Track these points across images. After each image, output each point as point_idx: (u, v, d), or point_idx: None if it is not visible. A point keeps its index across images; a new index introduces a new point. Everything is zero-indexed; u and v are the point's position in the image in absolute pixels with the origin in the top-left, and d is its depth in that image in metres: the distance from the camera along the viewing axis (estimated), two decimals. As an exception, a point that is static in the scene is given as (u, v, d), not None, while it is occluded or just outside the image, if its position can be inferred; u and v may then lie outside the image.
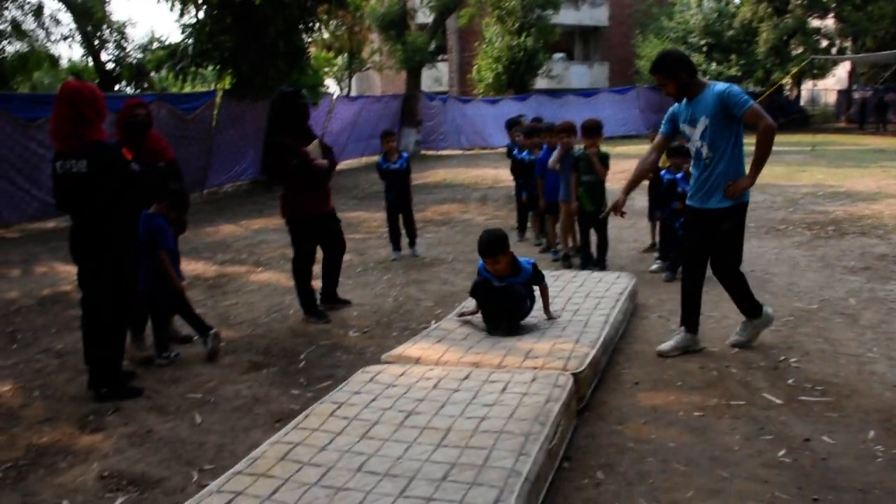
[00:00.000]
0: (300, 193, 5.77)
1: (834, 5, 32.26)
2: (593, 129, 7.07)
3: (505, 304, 4.66)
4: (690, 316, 4.90)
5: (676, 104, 4.78)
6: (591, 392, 4.12)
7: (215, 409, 4.31)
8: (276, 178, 6.02)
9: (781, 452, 3.48)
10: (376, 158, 8.78)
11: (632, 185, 5.05)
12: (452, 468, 2.86)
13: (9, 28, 17.85)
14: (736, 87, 4.49)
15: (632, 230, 9.15)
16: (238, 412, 4.23)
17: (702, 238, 4.75)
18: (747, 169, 4.59)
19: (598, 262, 7.14)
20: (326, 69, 25.64)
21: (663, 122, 4.91)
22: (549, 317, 4.87)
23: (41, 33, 18.16)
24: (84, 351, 4.81)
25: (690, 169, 4.89)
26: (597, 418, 3.94)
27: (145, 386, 4.67)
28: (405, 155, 8.47)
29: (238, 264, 8.40)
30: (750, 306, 4.87)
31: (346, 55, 29.20)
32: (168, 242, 5.08)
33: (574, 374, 3.88)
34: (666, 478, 3.28)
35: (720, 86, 4.52)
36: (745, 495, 3.11)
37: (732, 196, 4.55)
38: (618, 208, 5.02)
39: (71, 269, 8.21)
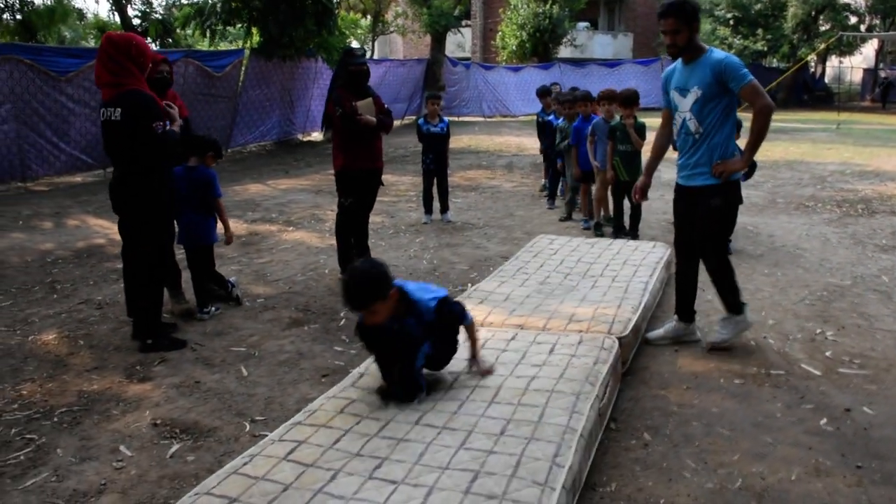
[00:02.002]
0: (346, 146, 5.86)
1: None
2: (630, 99, 7.06)
3: (397, 348, 3.37)
4: (682, 303, 4.58)
5: (667, 69, 4.46)
6: (633, 357, 4.17)
7: (260, 362, 4.38)
8: (328, 128, 6.14)
9: (823, 421, 3.53)
10: (399, 123, 8.77)
11: (652, 165, 4.71)
12: (509, 423, 2.93)
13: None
14: (735, 58, 4.14)
15: (661, 202, 9.13)
16: (284, 366, 4.31)
17: (689, 219, 4.41)
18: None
19: (630, 232, 7.16)
20: (351, 31, 25.45)
21: (662, 94, 4.54)
22: (478, 368, 3.53)
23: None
24: (126, 302, 4.91)
25: (676, 141, 4.48)
26: (639, 382, 4.00)
27: (188, 338, 4.75)
28: (446, 119, 8.46)
29: (269, 223, 8.46)
30: (734, 300, 4.44)
31: (370, 17, 28.98)
32: (219, 191, 5.20)
33: (618, 338, 3.93)
34: (711, 441, 3.34)
35: (718, 53, 4.16)
36: (790, 460, 3.16)
37: (720, 176, 4.20)
38: (643, 191, 4.72)
39: (102, 223, 8.37)
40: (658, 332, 4.62)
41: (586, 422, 2.97)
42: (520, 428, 2.88)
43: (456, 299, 3.60)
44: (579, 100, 7.99)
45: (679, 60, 4.32)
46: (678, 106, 4.32)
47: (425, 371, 3.41)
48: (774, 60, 34.78)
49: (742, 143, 4.32)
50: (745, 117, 4.10)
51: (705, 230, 4.32)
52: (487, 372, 3.49)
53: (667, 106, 4.50)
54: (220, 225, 5.36)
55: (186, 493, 2.63)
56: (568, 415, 2.99)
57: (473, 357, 3.56)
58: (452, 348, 3.53)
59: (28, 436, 3.51)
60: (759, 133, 4.11)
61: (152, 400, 3.89)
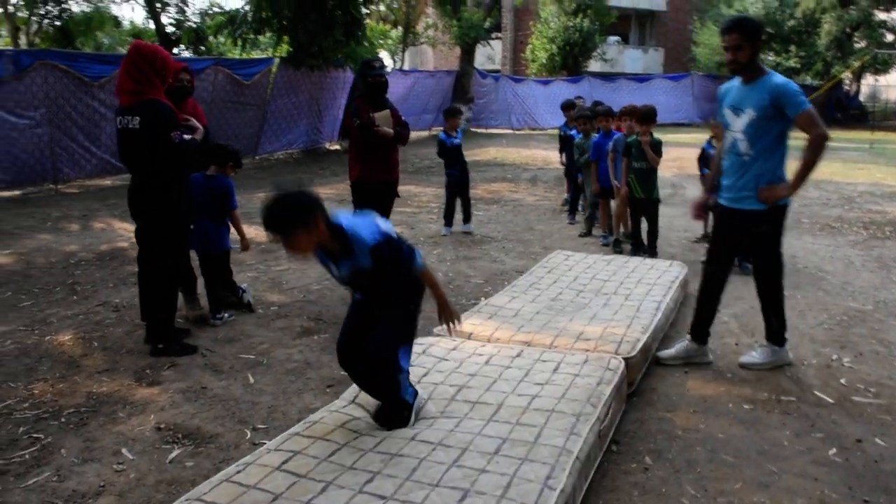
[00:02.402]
0: (362, 157, 5.91)
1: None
2: (648, 116, 7.01)
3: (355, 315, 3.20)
4: (699, 323, 4.52)
5: (724, 86, 4.40)
6: (640, 378, 4.13)
7: (268, 370, 4.40)
8: (344, 139, 6.22)
9: (832, 451, 3.46)
10: (427, 133, 8.82)
11: (713, 183, 4.54)
12: (504, 443, 2.91)
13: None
14: (794, 85, 4.05)
15: (683, 219, 9.05)
16: (290, 375, 4.33)
17: (729, 240, 4.39)
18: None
19: (648, 250, 7.10)
20: (381, 41, 25.61)
21: (718, 109, 4.49)
22: (448, 324, 3.28)
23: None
24: (140, 306, 4.96)
25: (723, 160, 4.39)
26: (646, 404, 3.95)
27: (199, 344, 4.79)
28: (460, 131, 8.48)
29: (289, 231, 8.50)
30: (779, 329, 4.44)
31: (400, 28, 29.14)
32: (236, 202, 5.26)
33: (625, 359, 3.90)
34: (714, 467, 3.29)
35: (778, 78, 4.09)
36: (794, 491, 3.10)
37: (766, 202, 4.13)
38: (703, 207, 4.64)
39: (127, 226, 8.46)
40: (670, 352, 4.57)
41: (584, 444, 2.95)
42: (515, 448, 2.86)
43: (410, 244, 3.11)
44: (599, 115, 7.96)
45: (737, 78, 4.27)
46: (730, 125, 4.27)
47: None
48: (808, 78, 34.41)
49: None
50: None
51: (761, 257, 4.36)
52: (454, 322, 3.23)
53: (722, 122, 4.43)
54: (234, 233, 5.40)
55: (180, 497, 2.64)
56: (565, 436, 2.96)
57: (441, 311, 3.23)
58: (408, 313, 3.15)
59: (35, 435, 3.56)
60: (811, 162, 4.01)
61: (158, 404, 3.92)
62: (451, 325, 3.25)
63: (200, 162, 5.07)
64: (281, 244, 2.88)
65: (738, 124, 4.18)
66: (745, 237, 4.30)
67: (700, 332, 4.53)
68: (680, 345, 4.59)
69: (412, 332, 3.27)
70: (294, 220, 2.75)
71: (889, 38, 32.78)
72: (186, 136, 4.55)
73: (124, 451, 3.41)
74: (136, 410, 3.85)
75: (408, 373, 3.22)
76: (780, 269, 4.42)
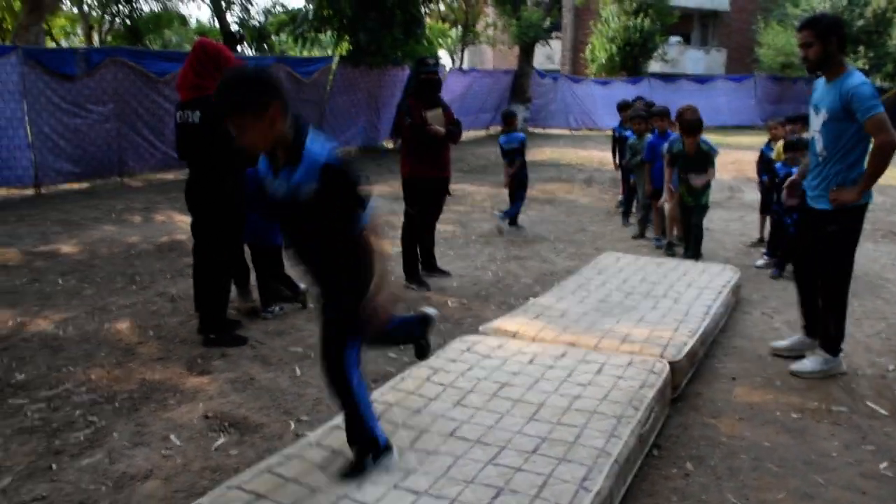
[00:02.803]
0: (414, 155, 5.96)
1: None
2: (693, 127, 6.76)
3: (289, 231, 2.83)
4: (808, 319, 4.60)
5: (815, 82, 4.32)
6: (686, 382, 4.08)
7: (315, 364, 4.45)
8: (397, 136, 6.28)
9: (884, 465, 3.36)
10: (484, 133, 8.87)
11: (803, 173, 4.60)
12: (543, 442, 2.91)
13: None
14: (867, 88, 3.93)
15: (739, 223, 8.89)
16: (336, 369, 4.38)
17: (808, 239, 4.40)
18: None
19: (691, 252, 6.94)
20: (440, 40, 25.72)
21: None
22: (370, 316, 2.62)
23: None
24: (194, 297, 5.09)
25: (809, 159, 4.43)
26: (690, 409, 3.90)
27: (250, 336, 4.89)
28: (518, 135, 8.63)
29: (342, 227, 8.61)
30: (835, 337, 4.37)
31: (460, 27, 29.22)
32: None
33: (670, 363, 3.85)
34: (757, 476, 3.23)
35: (854, 79, 3.98)
36: (839, 503, 3.03)
37: (834, 203, 4.10)
38: (796, 188, 4.61)
39: (186, 219, 8.61)
40: (784, 343, 4.71)
41: (623, 447, 2.93)
42: (553, 448, 2.87)
43: (369, 192, 2.69)
44: (654, 115, 7.85)
45: (823, 77, 4.23)
46: (812, 124, 4.28)
47: None
48: (878, 79, 33.36)
49: None
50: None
51: (824, 256, 4.30)
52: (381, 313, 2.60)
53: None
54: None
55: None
56: (605, 438, 2.95)
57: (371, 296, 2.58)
58: (352, 293, 2.58)
59: (90, 418, 3.69)
60: (876, 169, 4.00)
61: (207, 393, 4.02)
62: (372, 317, 2.59)
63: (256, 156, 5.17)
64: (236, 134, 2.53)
65: (816, 123, 4.19)
66: (818, 237, 4.28)
67: (809, 326, 4.62)
68: (794, 338, 4.72)
69: (358, 325, 2.64)
70: (244, 101, 2.42)
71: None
72: None
73: (172, 437, 3.51)
74: (186, 398, 3.96)
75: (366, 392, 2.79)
76: (846, 275, 4.34)
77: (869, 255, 7.51)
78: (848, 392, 4.16)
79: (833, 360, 4.40)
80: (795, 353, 4.58)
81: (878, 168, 3.98)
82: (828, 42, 4.03)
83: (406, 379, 3.59)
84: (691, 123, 6.76)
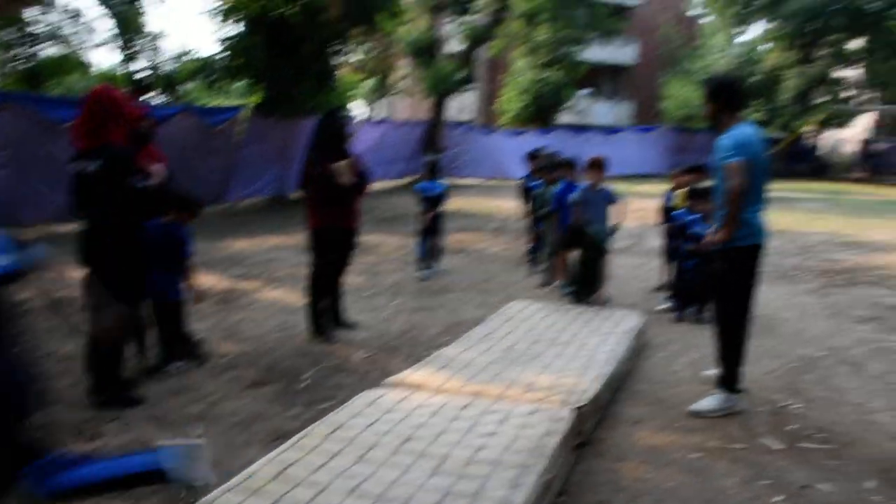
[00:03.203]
0: (322, 206, 5.91)
1: (860, 57, 32.30)
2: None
3: None
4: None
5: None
6: (591, 428, 4.11)
7: (214, 423, 4.32)
8: (303, 187, 6.20)
9: (778, 498, 3.47)
10: (396, 183, 8.94)
11: None
12: (446, 496, 2.87)
13: (46, 32, 18.23)
14: (728, 140, 4.35)
15: (644, 269, 9.13)
16: (237, 428, 4.25)
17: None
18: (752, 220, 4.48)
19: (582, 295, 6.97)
20: (354, 91, 25.87)
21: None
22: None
23: (77, 38, 18.55)
24: (86, 356, 4.86)
25: None
26: (595, 455, 3.93)
27: (146, 396, 4.69)
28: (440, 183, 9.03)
29: (250, 279, 8.45)
30: (727, 377, 4.55)
31: (374, 79, 29.50)
32: (190, 251, 5.23)
33: (575, 409, 3.88)
34: (659, 519, 3.27)
35: (734, 132, 4.39)
36: (737, 542, 3.09)
37: (705, 245, 4.65)
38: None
39: (80, 274, 8.35)
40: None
41: (527, 496, 2.91)
42: (456, 501, 2.83)
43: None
44: (558, 166, 8.03)
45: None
46: None
47: None
48: (772, 131, 35.22)
49: None
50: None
51: (717, 298, 4.69)
52: None
53: None
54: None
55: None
56: (509, 488, 2.93)
57: None
58: None
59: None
60: (728, 212, 4.38)
61: (98, 459, 3.82)
62: None
63: (158, 208, 5.04)
64: None
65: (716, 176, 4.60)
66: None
67: None
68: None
69: None
70: None
71: (848, 93, 33.77)
72: (145, 182, 4.52)
73: (57, 507, 3.30)
74: (75, 464, 3.74)
75: None
76: (737, 315, 4.52)
77: (766, 297, 7.78)
78: (745, 429, 4.28)
79: (731, 398, 4.54)
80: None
81: (732, 212, 4.36)
82: (717, 101, 4.50)
83: (307, 436, 3.50)
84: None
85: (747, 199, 4.40)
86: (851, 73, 34.15)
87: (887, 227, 14.35)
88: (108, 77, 21.41)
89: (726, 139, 4.39)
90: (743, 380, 4.64)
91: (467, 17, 25.98)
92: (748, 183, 4.33)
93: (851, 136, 39.02)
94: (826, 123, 33.07)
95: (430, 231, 8.82)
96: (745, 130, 4.43)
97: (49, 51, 19.27)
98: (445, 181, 9.15)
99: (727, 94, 4.49)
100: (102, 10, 16.56)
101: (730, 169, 4.32)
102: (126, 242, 4.48)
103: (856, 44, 32.27)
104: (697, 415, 4.48)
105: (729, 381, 4.55)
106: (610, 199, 7.31)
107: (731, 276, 4.50)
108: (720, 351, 4.59)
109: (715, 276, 4.57)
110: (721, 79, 4.68)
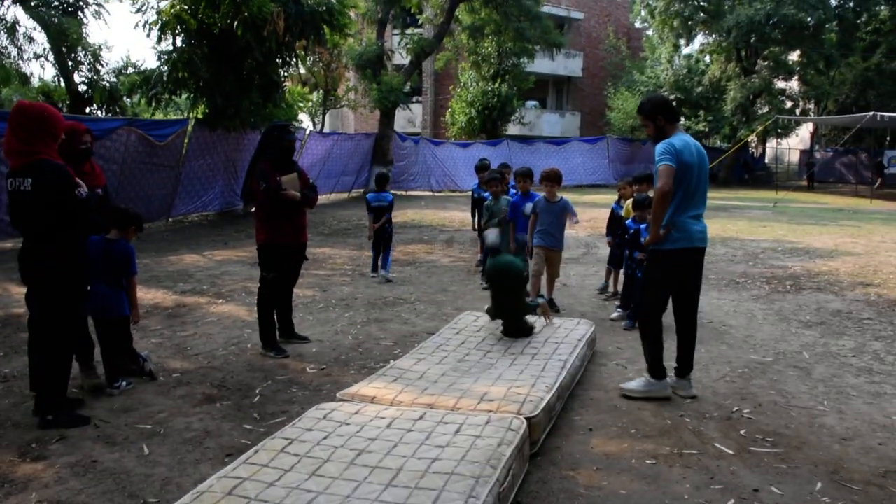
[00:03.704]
0: (270, 220, 5.84)
1: (798, 69, 33.33)
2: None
3: None
4: (677, 360, 5.13)
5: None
6: (544, 437, 4.12)
7: (164, 440, 4.22)
8: (249, 202, 6.12)
9: (730, 502, 3.51)
10: (346, 195, 8.90)
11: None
12: (400, 509, 2.83)
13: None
14: (669, 144, 4.65)
15: (595, 278, 9.23)
16: (188, 445, 4.16)
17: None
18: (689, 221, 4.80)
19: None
20: (301, 104, 25.70)
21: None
22: None
23: (13, 51, 17.95)
24: (30, 376, 4.72)
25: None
26: (549, 463, 3.93)
27: (93, 415, 4.57)
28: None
29: (198, 295, 8.30)
30: (651, 362, 4.97)
31: (321, 91, 29.35)
32: (135, 268, 5.10)
33: (528, 419, 3.89)
34: (615, 526, 3.28)
35: (671, 138, 4.73)
36: (691, 546, 3.11)
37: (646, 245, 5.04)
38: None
39: (23, 291, 8.10)
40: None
41: (482, 506, 2.90)
42: (411, 513, 2.79)
43: None
44: (517, 175, 8.04)
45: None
46: None
47: None
48: (717, 141, 36.06)
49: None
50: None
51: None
52: None
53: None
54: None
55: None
56: (463, 499, 2.91)
57: None
58: None
59: None
60: (654, 212, 4.75)
61: (42, 480, 3.70)
62: None
63: (100, 224, 4.93)
64: None
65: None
66: None
67: (677, 367, 5.11)
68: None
69: None
70: None
71: (789, 104, 34.78)
72: (83, 191, 4.41)
73: (-2, 533, 3.19)
74: (17, 489, 3.61)
75: None
76: (650, 310, 4.96)
77: (714, 304, 7.96)
78: (697, 435, 4.33)
79: (655, 383, 4.91)
80: (682, 394, 5.00)
81: (656, 212, 4.71)
82: (656, 120, 4.81)
83: (259, 451, 3.44)
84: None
85: (683, 204, 4.73)
86: (792, 84, 35.24)
87: (828, 233, 14.78)
88: (47, 90, 20.88)
89: (660, 145, 4.70)
90: (664, 371, 4.97)
91: (412, 31, 26.11)
92: (677, 186, 4.66)
93: (793, 145, 40.20)
94: (768, 134, 33.95)
95: (381, 240, 9.39)
96: (681, 137, 4.74)
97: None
98: (391, 193, 9.63)
99: (664, 112, 4.81)
100: (38, 21, 16.01)
101: (659, 171, 4.62)
102: (65, 258, 4.37)
103: (793, 56, 33.32)
104: (627, 394, 4.93)
105: (652, 367, 4.94)
106: (566, 209, 7.38)
107: (655, 275, 4.92)
108: (643, 343, 5.03)
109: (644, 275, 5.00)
110: (653, 101, 4.94)
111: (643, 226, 6.96)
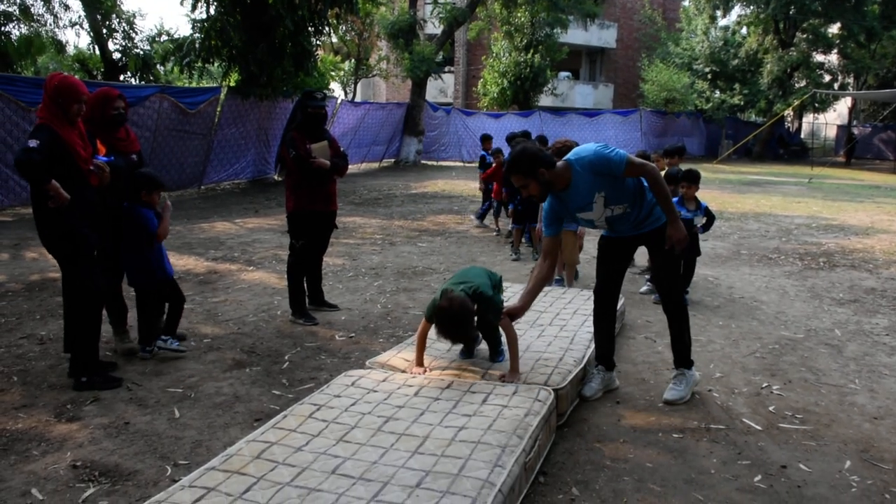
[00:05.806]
0: (300, 188, 5.87)
1: (838, 41, 32.52)
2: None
3: None
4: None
5: (548, 203, 4.23)
6: (572, 409, 4.12)
7: (195, 404, 4.29)
8: (280, 170, 6.12)
9: (758, 478, 3.48)
10: (377, 165, 8.88)
11: (531, 298, 4.31)
12: (427, 476, 2.85)
13: (16, 11, 17.81)
14: (600, 152, 4.02)
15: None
16: (217, 409, 4.22)
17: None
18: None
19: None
20: (333, 73, 25.66)
21: (546, 226, 4.31)
22: None
23: (49, 18, 18.13)
24: (64, 338, 4.80)
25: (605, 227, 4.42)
26: (576, 435, 3.93)
27: (126, 378, 4.65)
28: None
29: (230, 262, 8.38)
30: (689, 349, 4.53)
31: (353, 60, 29.28)
32: (154, 227, 5.10)
33: (555, 390, 3.88)
34: (640, 497, 3.27)
35: (586, 158, 4.03)
36: (718, 520, 3.10)
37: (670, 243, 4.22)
38: (514, 316, 4.27)
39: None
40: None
41: (508, 476, 2.91)
42: (437, 480, 2.81)
43: None
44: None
45: (550, 197, 4.20)
46: (595, 221, 4.29)
47: None
48: (752, 115, 35.45)
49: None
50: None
51: (669, 269, 4.43)
52: None
53: (552, 234, 4.29)
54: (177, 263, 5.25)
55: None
56: (489, 468, 2.92)
57: None
58: None
59: (-62, 477, 3.39)
60: (663, 194, 4.11)
61: (77, 440, 3.78)
62: None
63: (128, 190, 4.94)
64: None
65: (598, 209, 4.19)
66: (662, 250, 4.46)
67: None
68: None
69: None
70: None
71: (827, 78, 34.02)
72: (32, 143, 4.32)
73: (34, 490, 3.26)
74: (52, 448, 3.70)
75: None
76: (682, 299, 4.56)
77: (746, 280, 7.87)
78: (726, 410, 4.30)
79: (691, 374, 4.54)
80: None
81: (663, 191, 4.14)
82: (537, 175, 4.01)
83: (288, 416, 3.48)
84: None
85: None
86: (831, 58, 34.45)
87: (864, 210, 14.51)
88: (82, 58, 21.09)
89: (597, 155, 4.02)
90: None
91: (445, 0, 25.87)
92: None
93: (830, 120, 39.37)
94: (805, 108, 33.30)
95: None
96: (587, 147, 4.13)
97: (18, 31, 18.87)
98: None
99: (542, 163, 4.00)
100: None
101: (632, 163, 4.01)
102: (68, 221, 4.36)
103: (833, 29, 32.52)
104: (671, 403, 4.41)
105: (689, 357, 4.54)
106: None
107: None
108: (686, 334, 4.52)
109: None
110: (525, 154, 4.03)
111: (675, 199, 6.86)
